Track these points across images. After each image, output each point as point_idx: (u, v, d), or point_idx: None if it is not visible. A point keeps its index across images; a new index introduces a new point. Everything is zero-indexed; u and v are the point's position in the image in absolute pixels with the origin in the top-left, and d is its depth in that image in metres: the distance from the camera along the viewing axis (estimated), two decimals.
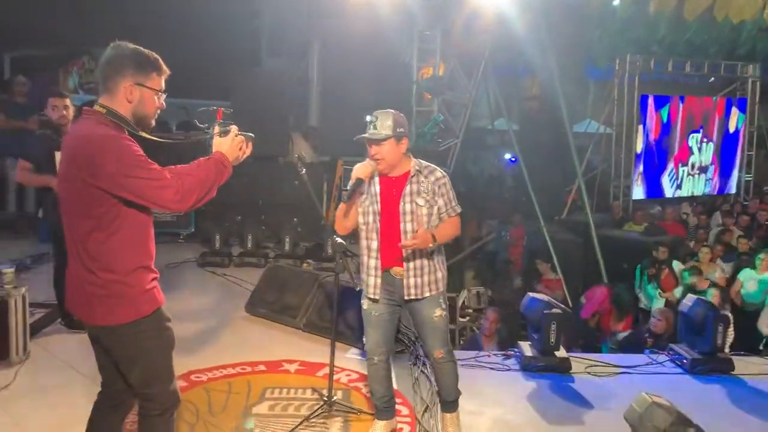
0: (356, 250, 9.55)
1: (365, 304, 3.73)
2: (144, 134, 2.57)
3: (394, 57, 9.85)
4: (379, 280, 3.66)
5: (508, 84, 13.25)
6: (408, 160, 3.62)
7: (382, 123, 3.49)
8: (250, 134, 2.72)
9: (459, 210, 3.67)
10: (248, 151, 2.73)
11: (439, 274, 3.68)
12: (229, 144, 2.66)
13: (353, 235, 3.86)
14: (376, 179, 3.63)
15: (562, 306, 5.40)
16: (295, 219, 9.28)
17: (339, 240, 3.93)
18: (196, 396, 4.34)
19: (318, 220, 7.37)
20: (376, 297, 3.68)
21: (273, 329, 5.74)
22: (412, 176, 3.59)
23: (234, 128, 2.68)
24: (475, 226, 11.30)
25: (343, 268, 4.00)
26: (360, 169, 3.53)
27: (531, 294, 5.46)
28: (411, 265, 3.61)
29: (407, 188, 3.58)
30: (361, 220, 3.67)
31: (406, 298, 3.66)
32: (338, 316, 5.34)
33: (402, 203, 3.57)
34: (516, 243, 10.44)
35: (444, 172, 3.72)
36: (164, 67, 2.61)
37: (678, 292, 8.50)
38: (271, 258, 8.08)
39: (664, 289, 8.83)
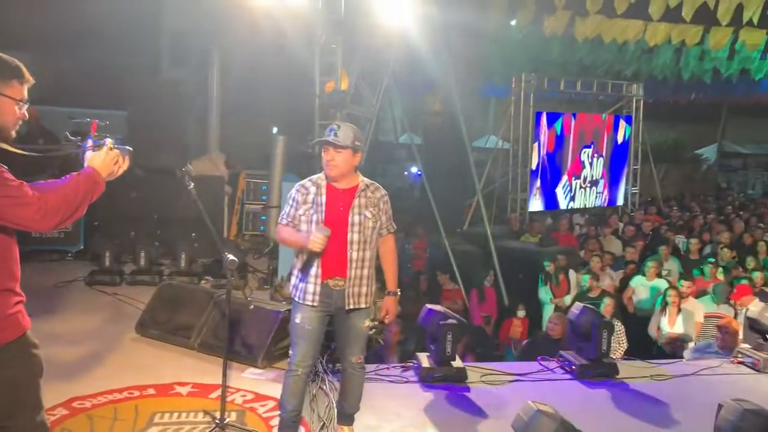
0: (258, 265, 9.00)
1: (298, 317, 3.74)
2: (4, 146, 2.40)
3: (298, 70, 9.83)
4: (319, 288, 3.71)
5: (412, 99, 13.49)
6: (356, 176, 3.80)
7: (345, 133, 3.68)
8: (127, 147, 2.62)
9: (395, 227, 3.96)
10: (125, 166, 2.62)
11: (373, 288, 3.86)
12: (103, 158, 2.54)
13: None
14: (323, 189, 3.73)
15: (458, 317, 5.52)
16: (192, 234, 9.03)
17: (231, 257, 3.91)
18: (78, 424, 4.10)
19: (218, 235, 7.27)
20: (316, 304, 3.71)
21: (165, 351, 5.52)
22: (362, 190, 3.78)
23: (109, 141, 2.57)
24: None
25: (237, 285, 3.93)
26: (316, 244, 3.56)
27: (428, 305, 5.54)
28: (353, 274, 3.73)
29: (356, 201, 3.74)
30: (303, 228, 3.72)
31: (347, 308, 3.74)
32: (235, 336, 5.23)
33: (351, 214, 3.72)
34: (419, 255, 10.61)
35: (385, 191, 3.93)
36: (27, 75, 2.45)
37: (568, 299, 8.90)
38: (165, 275, 7.79)
39: (555, 295, 9.23)
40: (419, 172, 13.59)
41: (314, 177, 3.80)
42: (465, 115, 10.76)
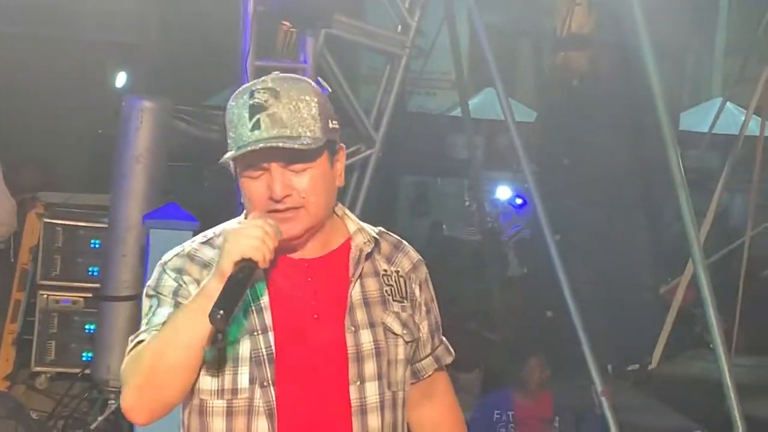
0: None
1: None
2: None
3: None
4: None
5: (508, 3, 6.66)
6: (335, 217, 1.53)
7: (300, 105, 1.37)
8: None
9: (453, 355, 1.67)
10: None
11: None
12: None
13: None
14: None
15: None
16: None
17: None
18: None
19: None
20: None
21: None
22: (368, 253, 1.49)
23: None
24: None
25: None
26: (250, 239, 1.34)
27: None
28: None
29: (358, 288, 1.46)
30: (209, 383, 1.41)
31: None
32: None
33: (349, 326, 1.44)
34: None
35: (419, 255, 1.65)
36: None
37: None
38: None
39: None
40: (519, 200, 6.72)
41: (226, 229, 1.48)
42: (661, 43, 3.79)
